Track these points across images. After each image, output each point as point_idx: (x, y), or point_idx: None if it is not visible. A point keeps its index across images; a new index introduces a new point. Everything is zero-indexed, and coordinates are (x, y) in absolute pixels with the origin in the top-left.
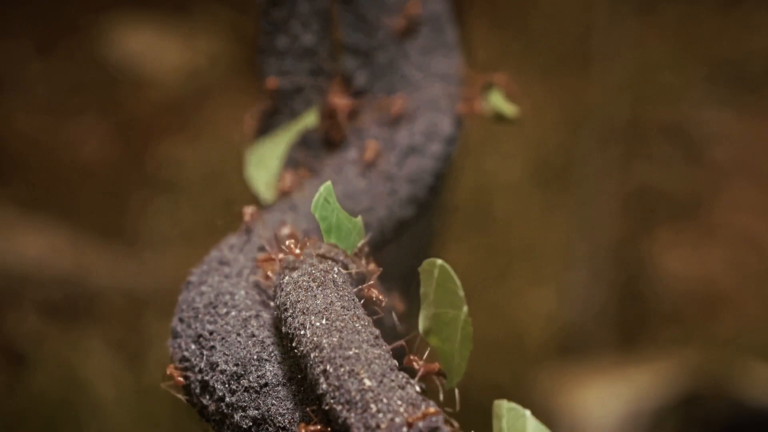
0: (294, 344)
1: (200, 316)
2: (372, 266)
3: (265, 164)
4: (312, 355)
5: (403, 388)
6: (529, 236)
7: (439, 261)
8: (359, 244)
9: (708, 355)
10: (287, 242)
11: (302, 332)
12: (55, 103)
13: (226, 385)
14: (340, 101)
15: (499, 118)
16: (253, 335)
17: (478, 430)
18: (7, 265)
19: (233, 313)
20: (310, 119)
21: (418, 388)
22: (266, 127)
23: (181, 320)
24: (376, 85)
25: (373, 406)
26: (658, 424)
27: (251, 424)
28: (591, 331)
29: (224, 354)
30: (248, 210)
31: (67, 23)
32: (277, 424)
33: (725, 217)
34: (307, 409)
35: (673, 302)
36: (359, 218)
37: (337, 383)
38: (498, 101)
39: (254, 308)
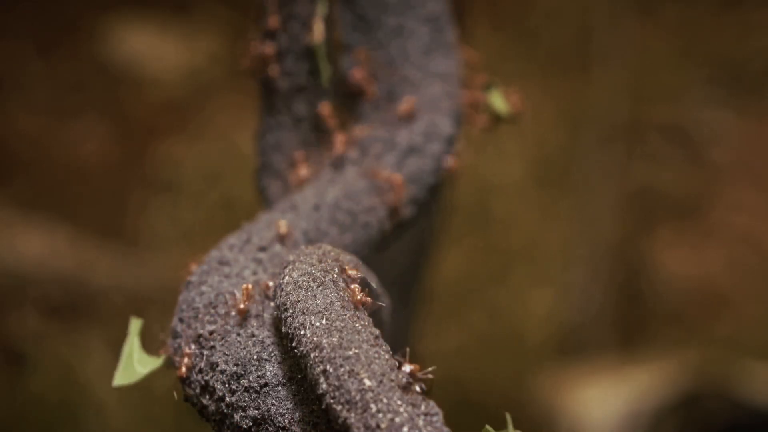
0: (294, 344)
1: (200, 316)
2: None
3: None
4: (312, 355)
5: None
6: (529, 236)
7: None
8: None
9: (708, 355)
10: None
11: (302, 332)
12: (55, 103)
13: (226, 385)
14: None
15: (498, 118)
16: (253, 335)
17: (478, 430)
18: (7, 265)
19: (233, 313)
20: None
21: (418, 388)
22: (268, 127)
23: (181, 320)
24: (375, 85)
25: (373, 406)
26: (658, 424)
27: (251, 424)
28: (591, 331)
29: (224, 354)
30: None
31: (68, 23)
32: (277, 424)
33: (725, 217)
34: None
35: (673, 302)
36: None
37: (337, 383)
38: (497, 101)
39: (254, 308)
